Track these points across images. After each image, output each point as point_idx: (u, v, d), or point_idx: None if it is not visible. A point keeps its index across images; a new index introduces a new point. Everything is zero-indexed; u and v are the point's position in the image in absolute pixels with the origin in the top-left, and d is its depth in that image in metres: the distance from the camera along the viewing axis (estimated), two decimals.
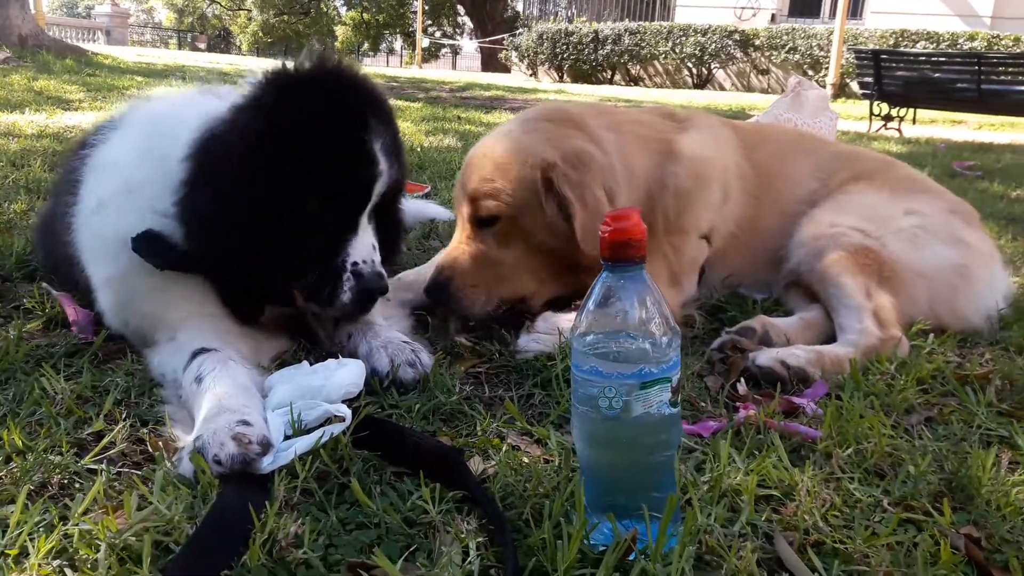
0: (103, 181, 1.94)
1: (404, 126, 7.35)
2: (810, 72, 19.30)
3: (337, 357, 1.76)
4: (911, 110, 12.02)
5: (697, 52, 20.43)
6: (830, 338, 2.27)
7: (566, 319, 2.12)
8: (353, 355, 1.91)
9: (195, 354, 1.72)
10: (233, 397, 1.55)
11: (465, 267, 2.19)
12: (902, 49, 15.61)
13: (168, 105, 2.07)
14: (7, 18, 12.08)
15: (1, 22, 11.98)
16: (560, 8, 29.24)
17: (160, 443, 1.55)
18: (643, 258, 1.23)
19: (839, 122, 5.38)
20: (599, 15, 24.77)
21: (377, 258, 1.84)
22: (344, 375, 1.63)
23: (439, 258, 2.28)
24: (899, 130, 11.55)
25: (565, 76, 22.07)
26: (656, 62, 21.38)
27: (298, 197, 1.73)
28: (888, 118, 11.67)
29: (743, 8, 21.67)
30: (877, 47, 14.77)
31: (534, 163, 2.15)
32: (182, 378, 1.70)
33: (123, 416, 1.65)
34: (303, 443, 1.43)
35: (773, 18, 21.55)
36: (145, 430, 1.60)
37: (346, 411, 1.51)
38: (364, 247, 1.82)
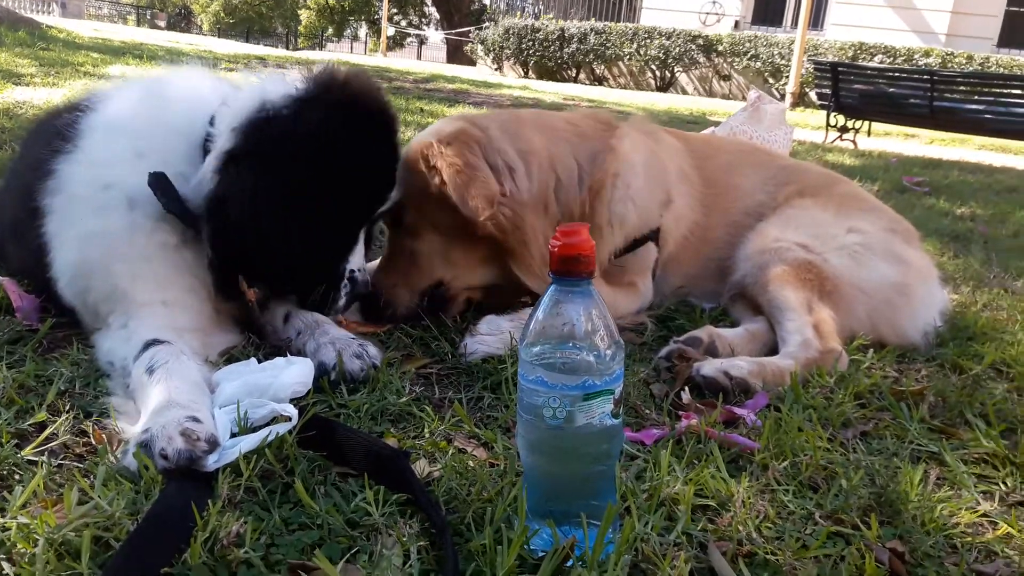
0: (106, 142, 1.91)
1: None
2: (771, 80, 19.63)
3: (286, 355, 1.77)
4: (866, 123, 12.29)
5: (661, 55, 20.62)
6: (774, 350, 2.33)
7: (508, 321, 2.16)
8: (300, 353, 1.92)
9: (147, 345, 1.71)
10: (184, 392, 1.55)
11: (383, 270, 2.29)
12: (860, 63, 15.95)
13: (183, 82, 2.09)
14: None
15: None
16: (527, 3, 29.27)
17: (104, 436, 1.54)
18: (591, 273, 1.25)
19: (795, 133, 5.49)
20: (566, 12, 24.86)
21: (364, 265, 2.04)
22: (292, 373, 1.63)
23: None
24: (854, 142, 11.80)
25: (530, 72, 22.10)
26: (621, 63, 21.53)
27: (336, 198, 1.85)
28: (844, 129, 11.93)
29: (707, 13, 21.93)
30: (836, 59, 15.09)
31: (416, 149, 2.25)
32: (132, 367, 1.68)
33: (66, 407, 1.63)
34: (249, 442, 1.44)
35: (737, 25, 21.85)
36: (89, 422, 1.59)
37: (292, 411, 1.51)
38: (359, 256, 2.00)
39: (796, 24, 18.36)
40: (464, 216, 2.14)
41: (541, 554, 1.23)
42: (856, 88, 11.93)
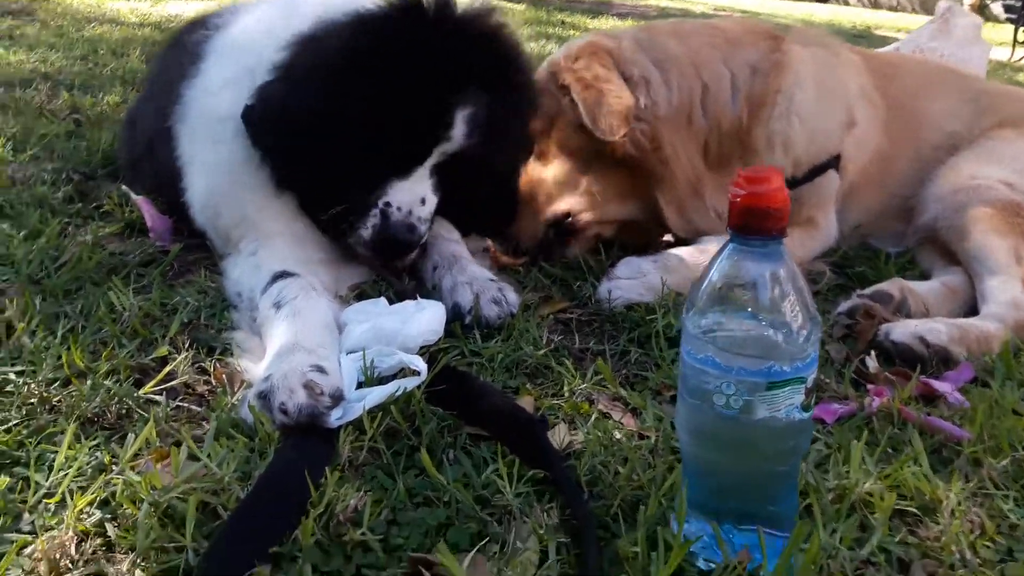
0: (228, 62, 1.87)
1: None
2: None
3: (415, 297, 1.61)
4: None
5: None
6: (974, 308, 1.98)
7: (651, 263, 1.93)
8: (436, 288, 1.77)
9: (275, 277, 1.60)
10: (310, 334, 1.43)
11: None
12: None
13: None
14: None
15: None
16: None
17: (225, 375, 1.44)
18: (783, 231, 1.00)
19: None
20: None
21: (420, 211, 1.71)
22: (423, 320, 1.47)
23: None
24: None
25: None
26: None
27: (361, 118, 1.63)
28: None
29: None
30: None
31: (544, 69, 2.07)
32: (259, 300, 1.58)
33: (188, 343, 1.54)
34: (374, 396, 1.29)
35: None
36: (211, 359, 1.50)
37: (421, 365, 1.35)
38: (408, 194, 1.70)
39: None
40: (597, 137, 1.93)
41: (703, 566, 1.02)
42: None
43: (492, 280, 1.75)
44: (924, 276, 2.18)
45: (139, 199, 2.13)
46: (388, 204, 1.68)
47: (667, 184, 2.02)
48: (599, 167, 2.01)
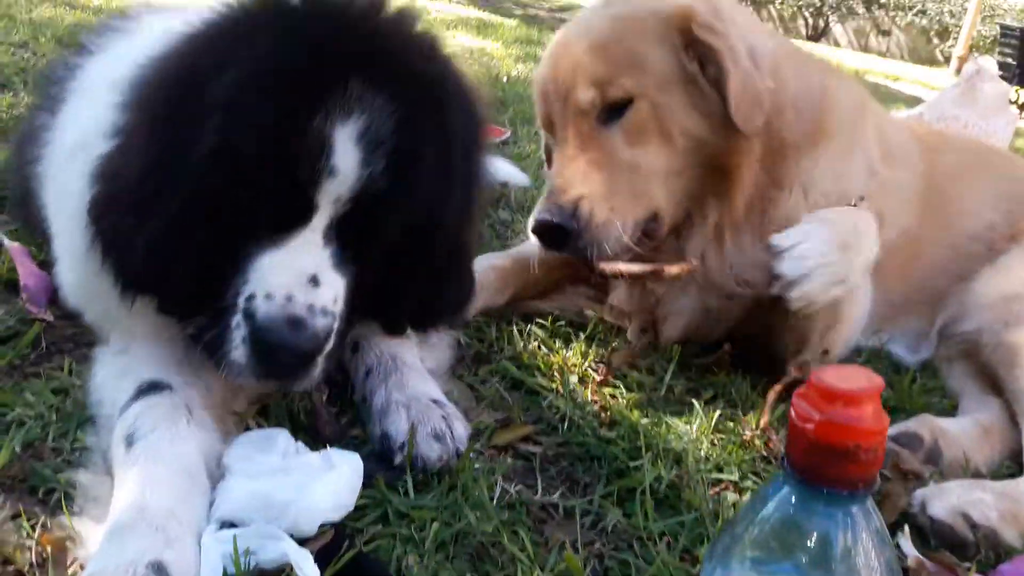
0: (86, 112, 1.40)
1: (493, 47, 6.67)
2: (936, 40, 17.81)
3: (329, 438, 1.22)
4: None
5: (817, 1, 18.96)
6: (1018, 452, 1.66)
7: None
8: (364, 402, 1.39)
9: (141, 391, 1.21)
10: (164, 493, 1.04)
11: (596, 184, 1.60)
12: None
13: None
14: None
15: None
16: None
17: (51, 544, 1.05)
18: (873, 482, 0.64)
19: None
20: None
21: (310, 297, 1.12)
22: (328, 488, 1.07)
23: (544, 200, 1.64)
24: None
25: None
26: (771, 6, 19.95)
27: (196, 172, 1.12)
28: None
29: None
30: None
31: (670, 14, 1.63)
32: (116, 423, 1.19)
33: (19, 480, 1.15)
34: None
35: None
36: (43, 514, 1.10)
37: (312, 572, 0.97)
38: (281, 274, 1.12)
39: None
40: (716, 124, 1.61)
41: None
42: None
43: (436, 403, 1.37)
44: (947, 393, 1.88)
45: (14, 247, 1.73)
46: (252, 297, 1.12)
47: (725, 203, 1.70)
48: (692, 160, 1.66)
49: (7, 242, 1.75)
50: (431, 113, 1.21)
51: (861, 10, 18.78)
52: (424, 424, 1.30)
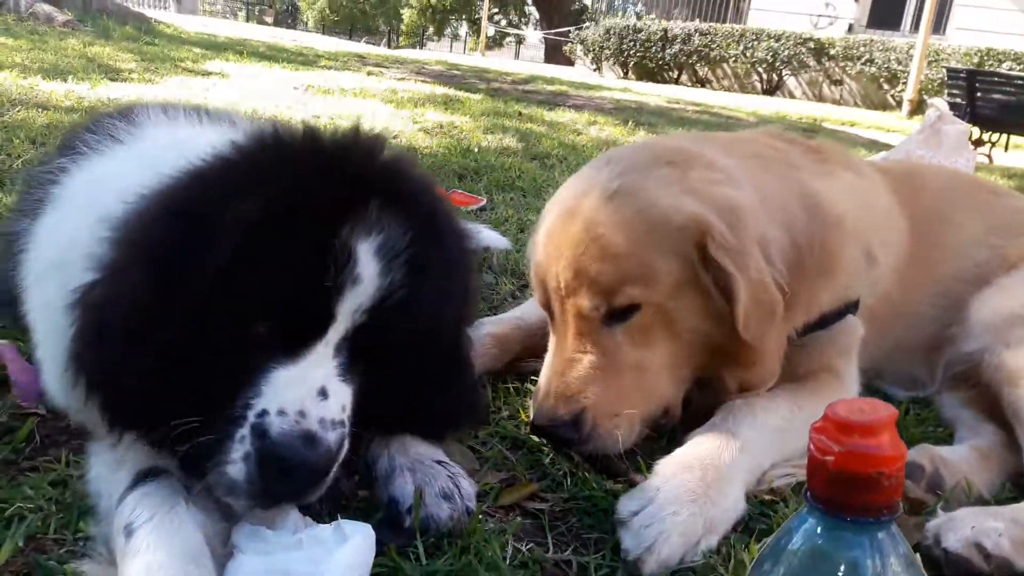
0: (68, 226, 1.41)
1: (462, 121, 6.82)
2: (886, 86, 18.40)
3: (336, 512, 1.21)
4: (1003, 136, 11.22)
5: (769, 58, 19.57)
6: (1016, 473, 1.68)
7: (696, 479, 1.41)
8: (368, 471, 1.38)
9: (137, 480, 1.20)
10: None
11: (599, 388, 1.54)
12: (1002, 71, 14.52)
13: (181, 136, 1.54)
14: None
15: None
16: (628, 4, 28.46)
17: None
18: (896, 507, 0.65)
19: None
20: (668, 13, 23.93)
21: (321, 411, 1.11)
22: (344, 560, 1.07)
23: (540, 381, 1.63)
24: (989, 156, 10.80)
25: (630, 73, 21.31)
26: (725, 65, 20.54)
27: (195, 293, 1.13)
28: (979, 143, 10.83)
29: (819, 16, 20.69)
30: (972, 67, 13.82)
31: (683, 225, 1.54)
32: (115, 514, 1.17)
33: (24, 574, 1.12)
34: None
35: (851, 28, 20.55)
36: None
37: None
38: (295, 389, 1.11)
39: (915, 28, 17.10)
40: (724, 331, 1.56)
41: None
42: (994, 98, 10.90)
43: (441, 464, 1.37)
44: (941, 423, 1.91)
45: (2, 344, 1.71)
46: (264, 412, 1.09)
47: (757, 375, 1.66)
48: (699, 350, 1.62)
49: None
50: (434, 234, 1.27)
51: (812, 62, 19.38)
52: (431, 485, 1.30)
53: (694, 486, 1.39)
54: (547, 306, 1.67)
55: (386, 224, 1.17)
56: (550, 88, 12.54)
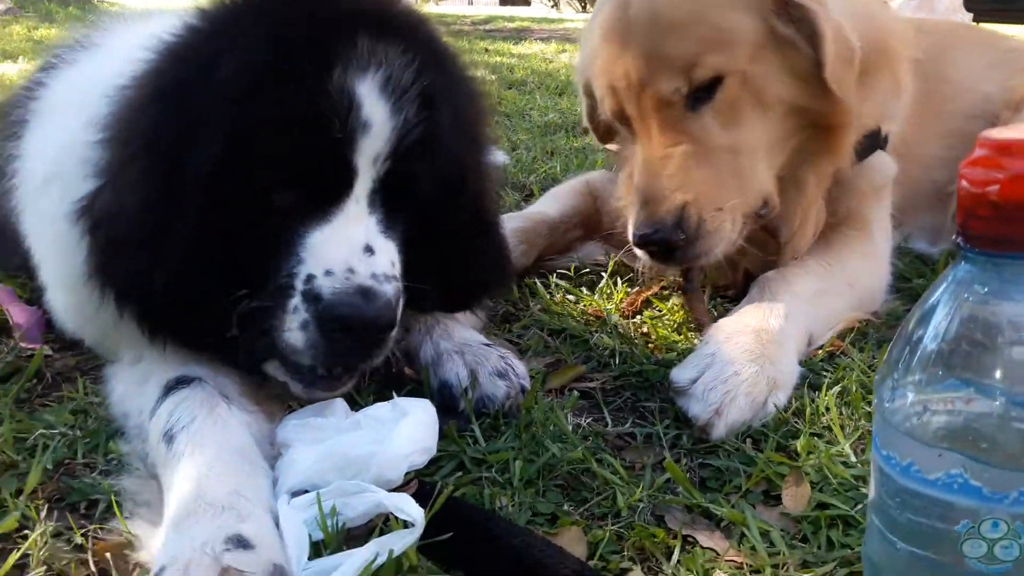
0: (52, 138, 1.31)
1: None
2: None
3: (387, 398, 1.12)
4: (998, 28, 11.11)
5: None
6: None
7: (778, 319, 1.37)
8: (412, 360, 1.30)
9: (169, 388, 1.10)
10: (221, 476, 0.94)
11: (696, 181, 1.40)
12: None
13: (154, 25, 1.40)
14: None
15: None
16: None
17: (109, 554, 0.94)
18: None
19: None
20: None
21: (370, 266, 1.05)
22: (405, 436, 0.97)
23: (635, 192, 1.47)
24: None
25: (588, 6, 20.95)
26: None
27: (221, 174, 1.05)
28: None
29: None
30: None
31: None
32: (148, 428, 1.08)
33: (55, 500, 1.04)
34: (344, 570, 0.81)
35: None
36: (90, 526, 0.99)
37: (414, 510, 0.87)
38: (338, 248, 1.05)
39: None
40: (810, 90, 1.45)
41: None
42: None
43: (488, 346, 1.29)
44: None
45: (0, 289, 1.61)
46: (311, 277, 1.03)
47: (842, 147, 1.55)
48: (793, 129, 1.51)
49: None
50: (442, 63, 1.18)
51: None
52: (483, 365, 1.23)
53: (751, 346, 1.31)
54: (621, 114, 1.52)
55: (383, 58, 1.06)
56: (512, 26, 12.25)
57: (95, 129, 1.15)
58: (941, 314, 0.59)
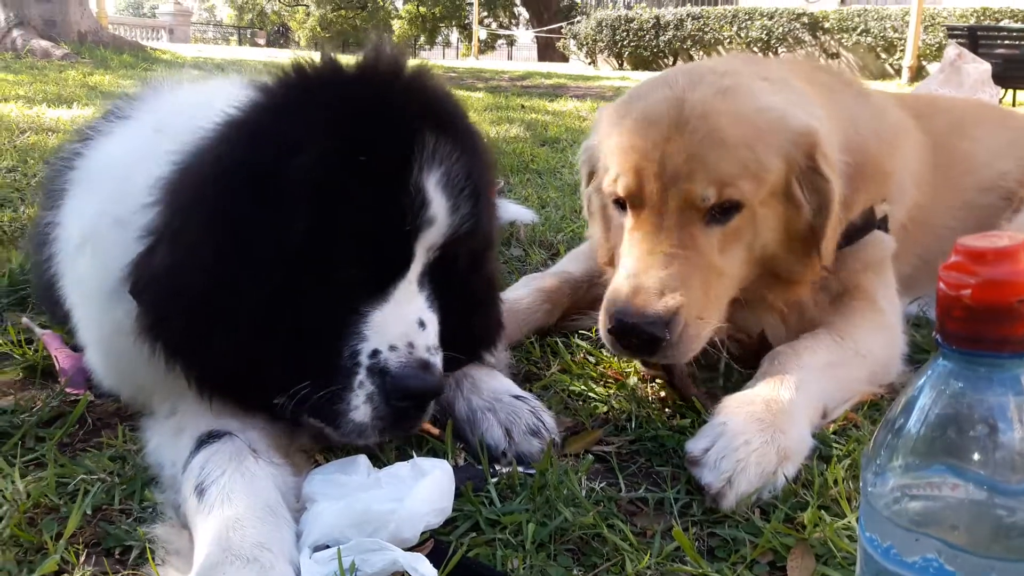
0: (88, 205, 1.39)
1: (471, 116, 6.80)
2: (884, 55, 18.26)
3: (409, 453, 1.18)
4: (1010, 91, 11.09)
5: (764, 36, 19.50)
6: None
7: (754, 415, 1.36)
8: (443, 414, 1.36)
9: (201, 442, 1.17)
10: (248, 529, 1.00)
11: (694, 291, 1.45)
12: (1005, 25, 14.39)
13: (192, 96, 1.50)
14: (66, 14, 11.87)
15: (60, 18, 11.77)
16: None
17: None
18: None
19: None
20: (658, 1, 23.89)
21: (424, 339, 1.18)
22: (423, 495, 1.03)
23: (623, 278, 1.49)
24: None
25: (625, 63, 21.27)
26: (720, 47, 20.48)
27: (282, 254, 1.13)
28: None
29: None
30: (973, 24, 13.70)
31: (801, 131, 1.50)
32: (181, 480, 1.14)
33: (92, 544, 1.10)
34: None
35: (843, 0, 20.47)
36: (125, 572, 1.05)
37: (430, 572, 0.92)
38: (397, 324, 1.16)
39: None
40: (794, 254, 1.56)
41: None
42: (998, 53, 10.77)
43: (518, 397, 1.36)
44: None
45: (45, 334, 1.70)
46: (376, 353, 1.14)
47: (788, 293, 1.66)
48: (756, 270, 1.60)
49: (39, 331, 1.72)
50: (479, 154, 1.30)
51: (807, 37, 19.29)
52: (516, 424, 1.30)
53: (761, 415, 1.35)
54: (638, 195, 1.53)
55: (443, 155, 1.18)
56: (548, 82, 12.53)
57: (147, 193, 1.22)
58: (922, 404, 0.64)
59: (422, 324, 1.18)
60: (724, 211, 1.48)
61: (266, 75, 1.32)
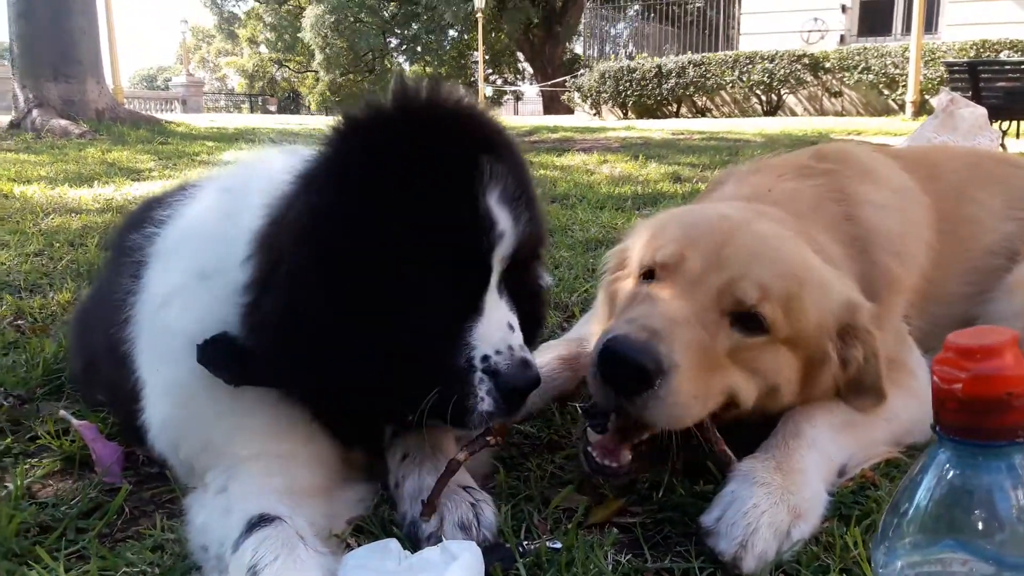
0: (172, 267, 1.52)
1: None
2: (886, 91, 18.43)
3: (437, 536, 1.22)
4: (1014, 123, 11.13)
5: (766, 79, 19.72)
6: None
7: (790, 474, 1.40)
8: (397, 487, 1.44)
9: (252, 525, 1.22)
10: None
11: (694, 364, 1.39)
12: (1001, 59, 14.54)
13: (252, 170, 1.63)
14: (84, 93, 12.23)
15: (79, 97, 12.12)
16: (619, 48, 28.94)
17: None
18: None
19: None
20: (659, 50, 24.31)
21: (517, 340, 1.36)
22: None
23: (622, 321, 1.47)
24: (1003, 145, 10.68)
25: (630, 112, 21.57)
26: (723, 92, 20.73)
27: (385, 284, 1.28)
28: None
29: (810, 31, 20.91)
30: (972, 59, 13.86)
31: (843, 304, 1.57)
32: (230, 560, 1.19)
33: None
34: None
35: (843, 39, 20.71)
36: None
37: None
38: (495, 331, 1.34)
39: (907, 30, 17.14)
40: (800, 383, 1.58)
41: None
42: (999, 86, 10.85)
43: (468, 490, 1.40)
44: None
45: (81, 425, 1.75)
46: (486, 358, 1.31)
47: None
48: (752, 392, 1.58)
49: (75, 421, 1.78)
50: (520, 161, 1.43)
51: (809, 78, 19.50)
52: (452, 510, 1.34)
53: (768, 479, 1.38)
54: (676, 265, 1.54)
55: (499, 175, 1.32)
56: (555, 136, 12.71)
57: (229, 247, 1.37)
58: (926, 487, 0.67)
59: (511, 327, 1.36)
60: (749, 327, 1.48)
61: (312, 139, 1.45)
